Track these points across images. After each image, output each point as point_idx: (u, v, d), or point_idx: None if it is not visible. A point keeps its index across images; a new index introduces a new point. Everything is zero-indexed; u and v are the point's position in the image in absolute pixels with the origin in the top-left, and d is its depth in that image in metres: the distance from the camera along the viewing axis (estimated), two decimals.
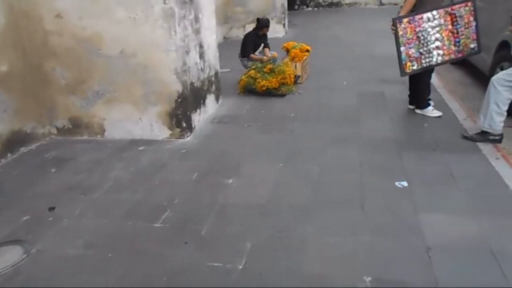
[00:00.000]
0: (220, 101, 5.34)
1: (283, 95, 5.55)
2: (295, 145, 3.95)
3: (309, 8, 16.39)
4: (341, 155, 3.68)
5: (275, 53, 6.44)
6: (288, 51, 6.34)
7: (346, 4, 16.13)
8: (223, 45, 10.30)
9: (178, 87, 4.08)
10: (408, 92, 4.76)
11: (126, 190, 3.28)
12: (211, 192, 3.17)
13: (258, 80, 5.55)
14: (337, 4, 16.18)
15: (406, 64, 4.19)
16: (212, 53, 4.99)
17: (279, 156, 3.72)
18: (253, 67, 5.82)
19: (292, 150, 3.85)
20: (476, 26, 4.19)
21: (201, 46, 4.60)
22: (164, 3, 3.80)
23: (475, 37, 4.22)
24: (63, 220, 2.91)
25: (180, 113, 4.18)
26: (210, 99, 4.96)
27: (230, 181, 3.31)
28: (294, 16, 13.93)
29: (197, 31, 4.47)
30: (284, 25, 10.75)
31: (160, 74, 4.05)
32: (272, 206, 2.94)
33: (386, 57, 7.46)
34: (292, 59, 6.14)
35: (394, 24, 4.10)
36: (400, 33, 4.10)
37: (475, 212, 2.74)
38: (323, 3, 16.29)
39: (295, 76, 5.99)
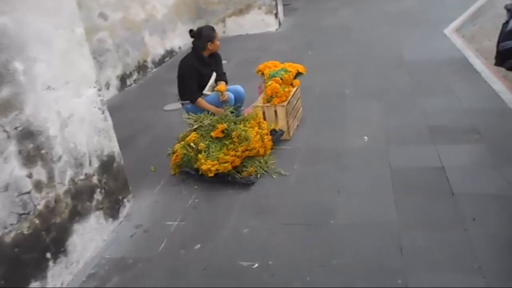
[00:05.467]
0: (126, 209, 2.74)
1: (249, 183, 2.92)
2: None
3: None
4: None
5: (225, 94, 3.41)
6: (265, 79, 3.67)
7: None
8: None
9: None
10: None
11: None
12: None
13: (201, 157, 2.91)
14: None
15: None
16: (83, 131, 2.37)
17: None
18: (195, 126, 3.16)
19: None
20: None
21: (30, 135, 1.99)
22: None
23: None
24: None
25: None
26: (88, 227, 2.37)
27: None
28: None
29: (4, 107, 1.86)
30: (276, 15, 7.93)
31: None
32: None
33: (425, 65, 4.72)
34: (269, 100, 3.48)
35: None
36: None
37: None
38: None
39: (275, 132, 3.34)
